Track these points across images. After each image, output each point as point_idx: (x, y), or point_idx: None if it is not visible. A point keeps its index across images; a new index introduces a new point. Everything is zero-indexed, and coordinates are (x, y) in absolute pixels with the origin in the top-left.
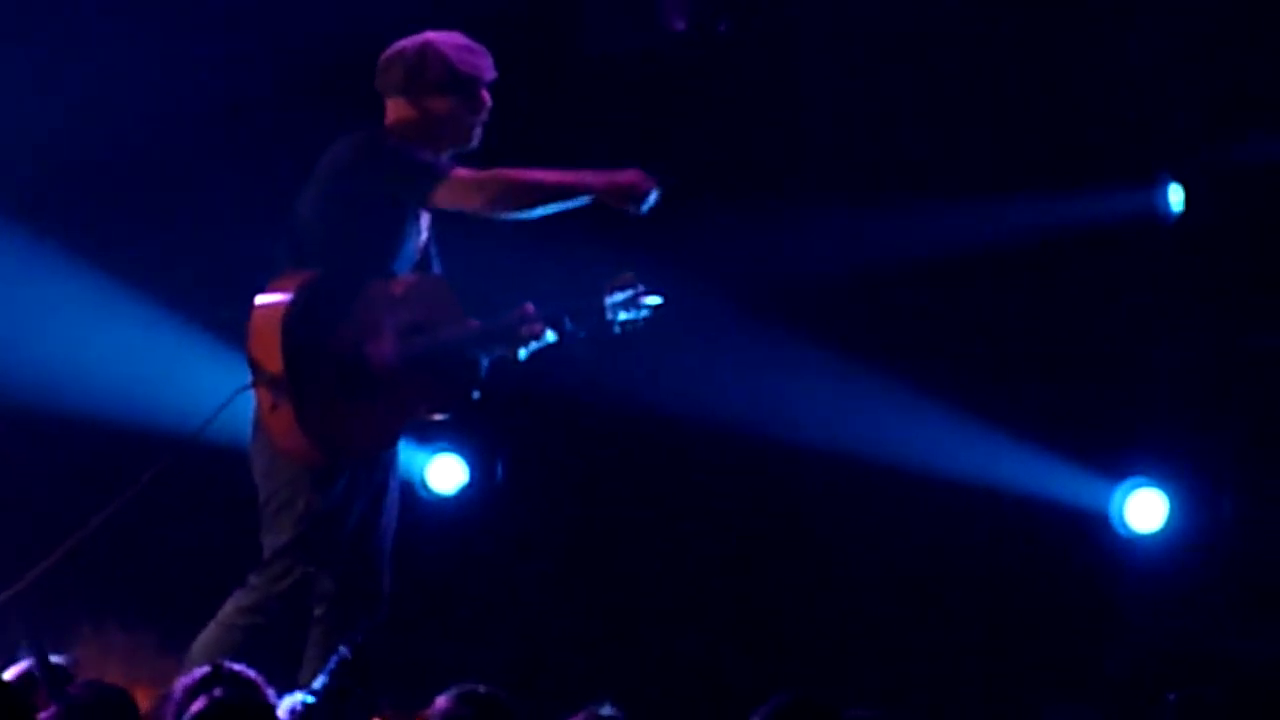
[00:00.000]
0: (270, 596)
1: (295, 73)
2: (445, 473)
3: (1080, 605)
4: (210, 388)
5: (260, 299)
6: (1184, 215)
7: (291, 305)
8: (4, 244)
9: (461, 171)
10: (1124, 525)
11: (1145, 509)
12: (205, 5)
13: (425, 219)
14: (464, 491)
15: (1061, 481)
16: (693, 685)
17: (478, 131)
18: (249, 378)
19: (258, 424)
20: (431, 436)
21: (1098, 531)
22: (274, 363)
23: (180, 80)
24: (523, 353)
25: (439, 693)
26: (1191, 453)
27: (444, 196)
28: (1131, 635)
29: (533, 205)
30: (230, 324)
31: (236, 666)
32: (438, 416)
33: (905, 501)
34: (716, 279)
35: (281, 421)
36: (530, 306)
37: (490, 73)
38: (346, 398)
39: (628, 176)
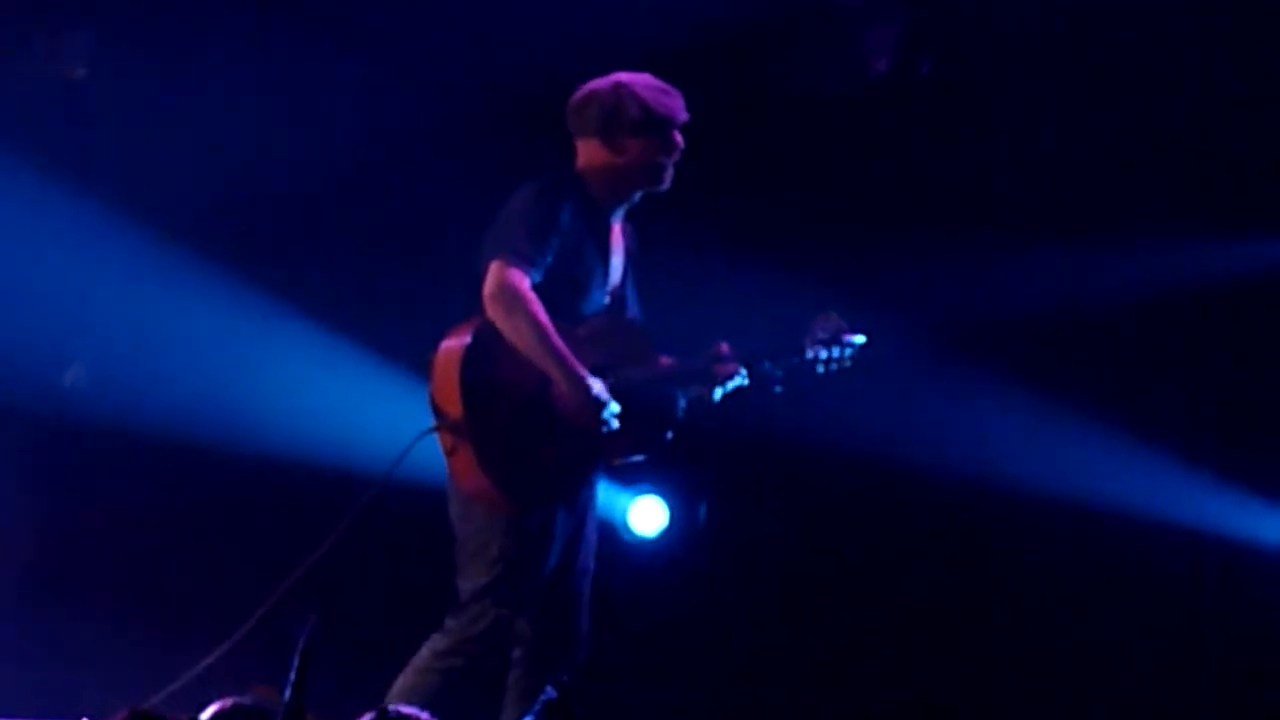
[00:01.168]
0: (465, 640)
1: (495, 111)
2: (647, 515)
3: (1256, 640)
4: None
5: (443, 343)
6: None
7: (469, 349)
8: (199, 282)
9: (513, 273)
10: None
11: None
12: (410, 43)
13: (617, 262)
14: (666, 534)
15: (1240, 515)
16: None
17: (670, 173)
18: (433, 421)
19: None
20: (634, 479)
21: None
22: (453, 406)
23: (380, 118)
24: (717, 393)
25: None
26: None
27: (490, 270)
28: None
29: (517, 343)
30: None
31: (406, 709)
32: (632, 459)
33: (1107, 542)
34: (920, 319)
35: (462, 464)
36: (725, 346)
37: (683, 114)
38: (529, 440)
39: (594, 393)
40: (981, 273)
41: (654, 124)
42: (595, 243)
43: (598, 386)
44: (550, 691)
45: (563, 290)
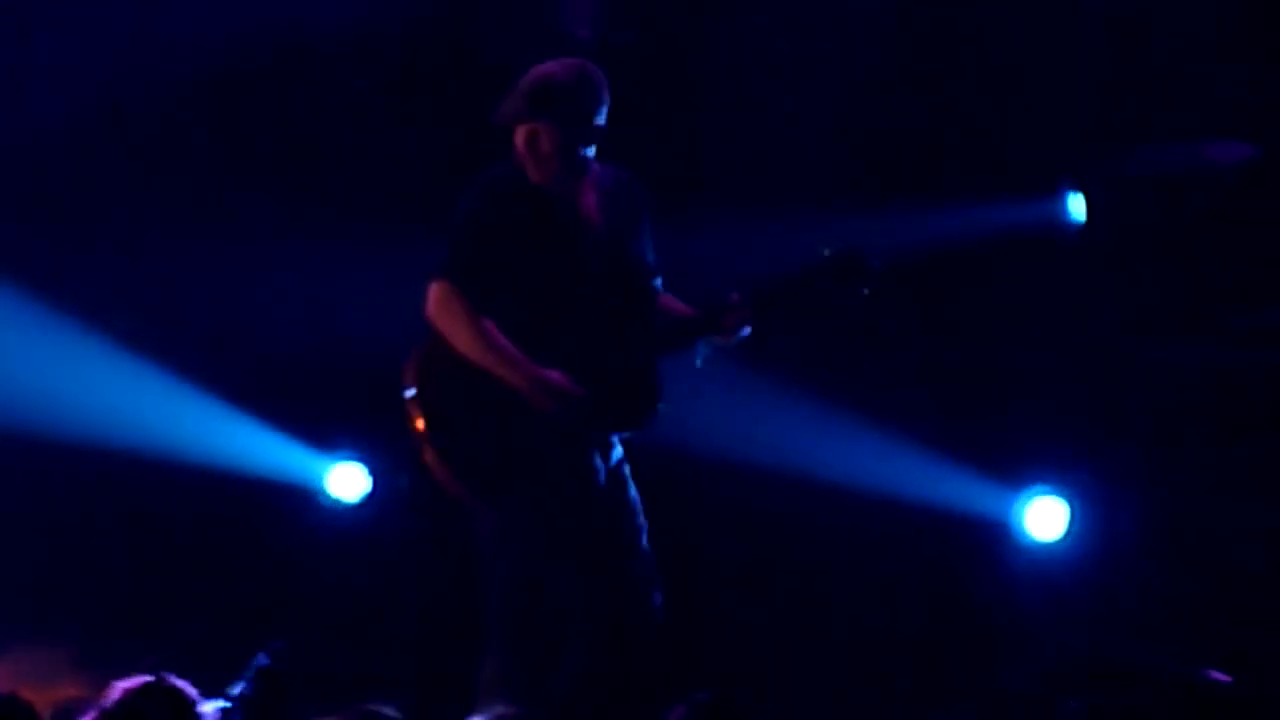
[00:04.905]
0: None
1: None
2: (348, 480)
3: (980, 615)
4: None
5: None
6: (1087, 225)
7: (419, 373)
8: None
9: (445, 288)
10: (1025, 534)
11: (1047, 518)
12: None
13: (597, 225)
14: (367, 499)
15: (963, 490)
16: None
17: (586, 156)
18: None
19: None
20: (334, 444)
21: (999, 541)
22: (415, 418)
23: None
24: (733, 341)
25: (347, 703)
26: (1094, 461)
27: (429, 290)
28: (1032, 645)
29: (467, 355)
30: None
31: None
32: (624, 433)
33: (805, 511)
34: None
35: (433, 464)
36: (736, 295)
37: (600, 100)
38: (506, 435)
39: (551, 387)
40: (684, 242)
41: (564, 99)
42: (548, 223)
43: (555, 378)
44: (262, 659)
45: (530, 279)
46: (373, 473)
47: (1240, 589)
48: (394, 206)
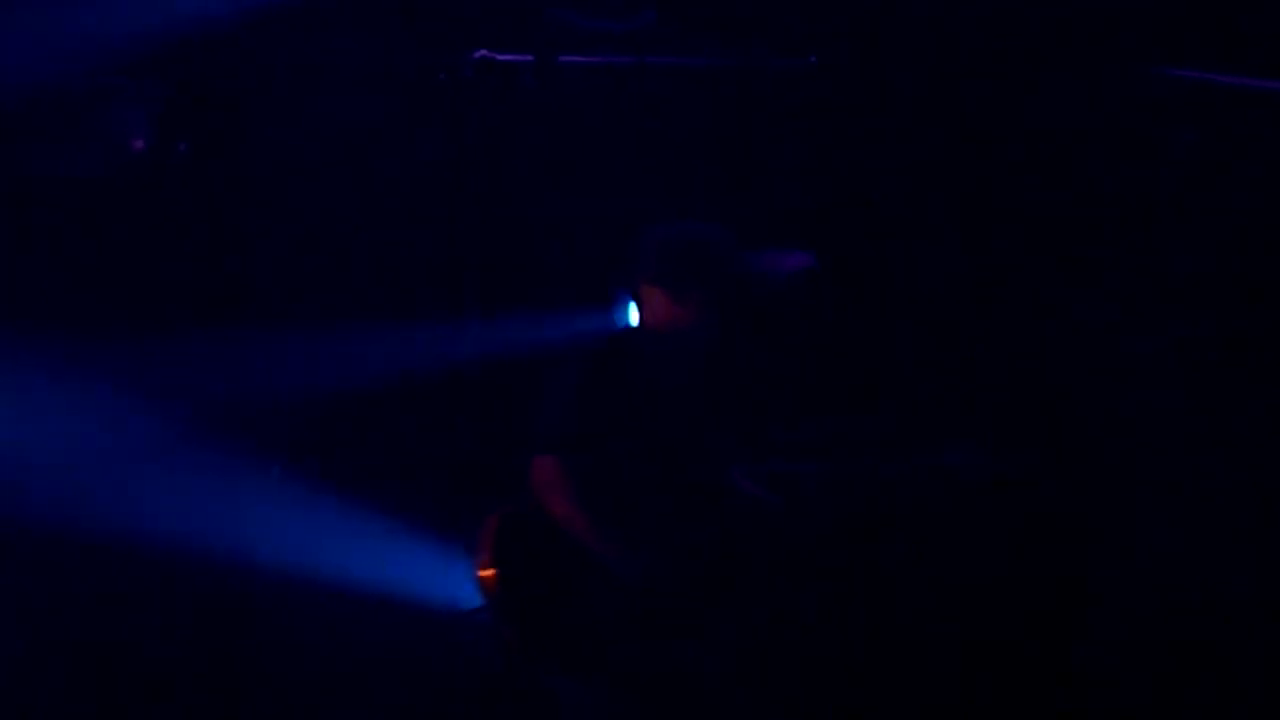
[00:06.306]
0: None
1: None
2: None
3: None
4: None
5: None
6: None
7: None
8: None
9: (542, 463)
10: None
11: None
12: None
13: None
14: None
15: None
16: None
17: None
18: None
19: None
20: None
21: None
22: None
23: None
24: None
25: None
26: None
27: (536, 461)
28: None
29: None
30: None
31: None
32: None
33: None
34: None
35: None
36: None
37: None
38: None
39: (633, 566)
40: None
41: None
42: (651, 390)
43: (642, 562)
44: None
45: (629, 442)
46: None
47: None
48: None
